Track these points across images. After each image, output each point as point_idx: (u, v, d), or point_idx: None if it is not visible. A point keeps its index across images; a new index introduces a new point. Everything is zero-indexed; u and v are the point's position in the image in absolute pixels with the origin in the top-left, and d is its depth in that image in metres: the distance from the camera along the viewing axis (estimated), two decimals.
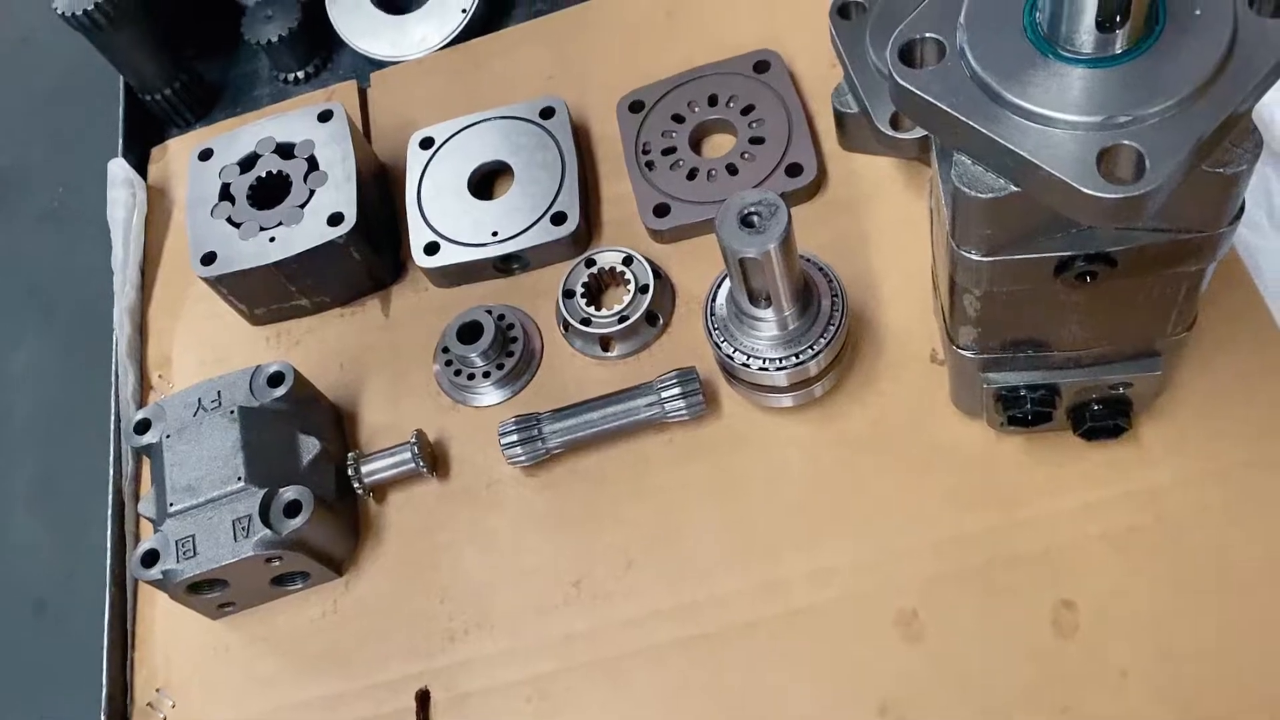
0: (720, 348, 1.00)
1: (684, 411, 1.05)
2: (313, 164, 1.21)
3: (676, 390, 1.05)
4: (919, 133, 1.04)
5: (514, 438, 1.08)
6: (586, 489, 1.09)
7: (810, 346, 0.98)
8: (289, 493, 1.03)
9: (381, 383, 1.20)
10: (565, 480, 1.10)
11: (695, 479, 1.07)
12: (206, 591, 1.05)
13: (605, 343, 1.14)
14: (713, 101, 1.22)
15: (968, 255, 0.78)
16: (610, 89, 1.29)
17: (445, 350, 1.17)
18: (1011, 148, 0.68)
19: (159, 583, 1.03)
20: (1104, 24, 0.66)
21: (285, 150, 1.23)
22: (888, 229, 1.14)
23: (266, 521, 1.02)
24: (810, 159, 1.16)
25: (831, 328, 0.99)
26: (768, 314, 0.96)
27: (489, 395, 1.15)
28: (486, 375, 1.15)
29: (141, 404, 1.26)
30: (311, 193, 1.19)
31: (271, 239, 1.17)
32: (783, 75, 1.22)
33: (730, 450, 1.07)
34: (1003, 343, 0.89)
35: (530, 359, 1.16)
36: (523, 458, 1.08)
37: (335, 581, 1.10)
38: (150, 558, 1.03)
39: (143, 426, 1.10)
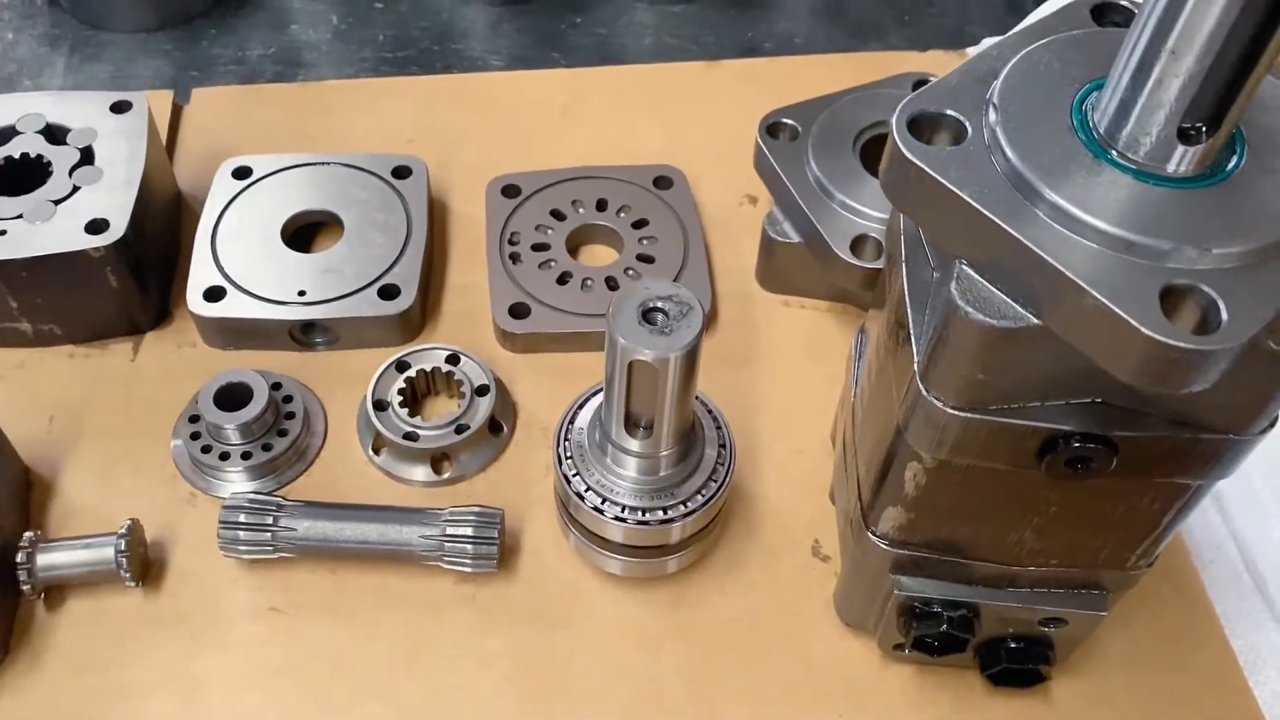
0: (570, 480, 0.77)
1: (467, 563, 0.81)
2: (87, 156, 0.94)
3: (467, 531, 0.81)
4: (884, 260, 0.88)
5: (239, 517, 0.80)
6: (344, 640, 0.81)
7: (683, 503, 0.77)
8: None
9: (101, 450, 0.89)
10: (317, 622, 0.81)
11: (494, 656, 0.81)
12: None
13: (437, 462, 0.89)
14: (601, 206, 1.04)
15: (935, 404, 0.59)
16: (481, 169, 1.08)
17: (195, 419, 0.89)
18: (1049, 260, 0.50)
19: None
20: (1189, 132, 0.51)
21: (55, 134, 0.95)
22: (781, 389, 0.95)
23: None
24: (705, 292, 0.98)
25: (712, 484, 0.77)
26: (642, 446, 0.74)
27: (239, 483, 0.87)
28: (246, 457, 0.87)
29: None
30: (75, 189, 0.91)
31: (2, 232, 0.88)
32: (685, 196, 1.05)
33: (546, 624, 0.82)
34: (931, 539, 0.70)
35: (306, 449, 0.89)
36: (242, 548, 0.80)
37: None
38: None
39: None
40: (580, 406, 0.81)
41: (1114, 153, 0.53)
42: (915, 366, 0.60)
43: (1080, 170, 0.53)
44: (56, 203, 0.90)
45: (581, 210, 1.03)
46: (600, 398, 0.79)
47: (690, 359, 0.68)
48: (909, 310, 0.62)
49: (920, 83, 1.02)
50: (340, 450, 0.90)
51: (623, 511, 0.77)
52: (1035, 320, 0.53)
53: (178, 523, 0.86)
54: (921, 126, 0.56)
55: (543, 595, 0.83)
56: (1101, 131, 0.54)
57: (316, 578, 0.83)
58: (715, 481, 0.78)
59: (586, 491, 0.77)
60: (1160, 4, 0.48)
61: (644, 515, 0.76)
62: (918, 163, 0.54)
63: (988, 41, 1.24)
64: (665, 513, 0.76)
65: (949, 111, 0.56)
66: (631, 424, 0.73)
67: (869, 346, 0.77)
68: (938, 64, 1.21)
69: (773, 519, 0.88)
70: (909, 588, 0.73)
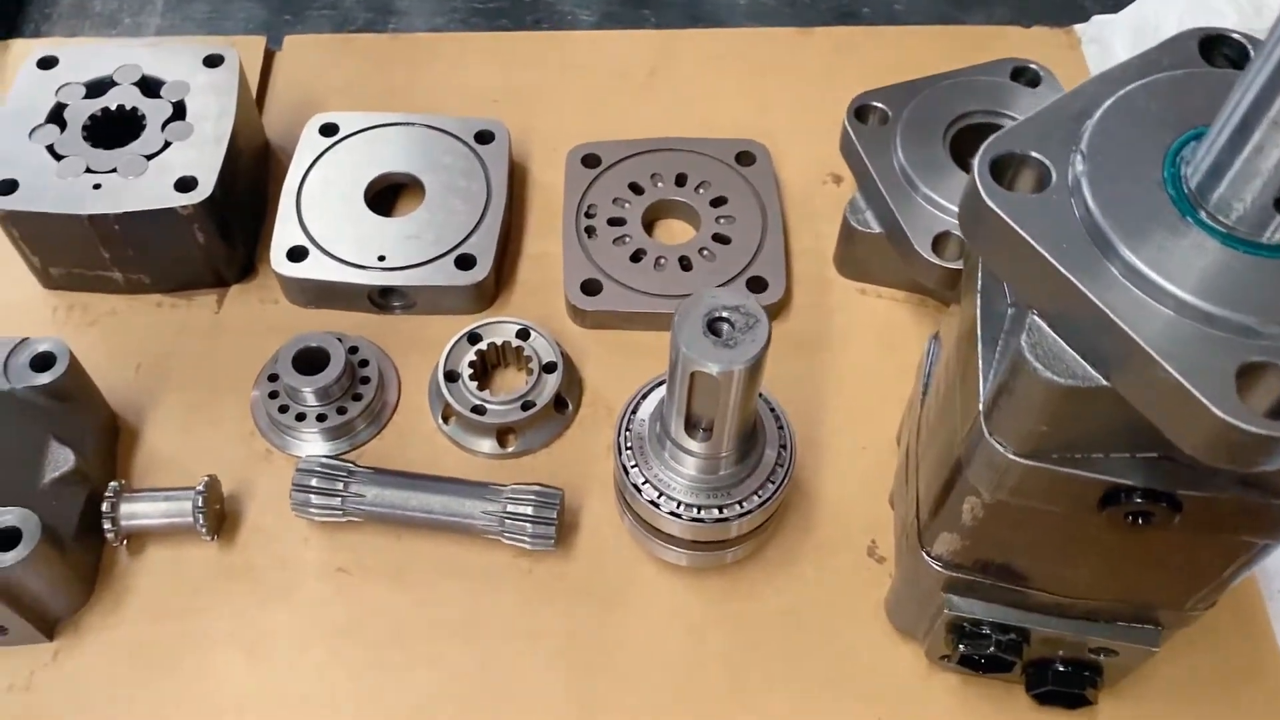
0: (628, 471, 0.78)
1: (525, 539, 0.83)
2: (179, 111, 0.95)
3: (527, 510, 0.82)
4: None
5: (311, 481, 0.83)
6: (404, 605, 0.84)
7: (740, 502, 0.77)
8: (8, 515, 0.76)
9: (184, 401, 0.93)
10: (380, 585, 0.84)
11: (547, 630, 0.83)
12: None
13: (502, 436, 0.90)
14: (680, 181, 1.03)
15: (997, 448, 0.58)
16: (562, 135, 1.08)
17: (274, 378, 0.91)
18: (1121, 324, 0.49)
19: None
20: None
21: (150, 86, 0.97)
22: (850, 380, 0.94)
23: None
24: (779, 276, 0.97)
25: (770, 485, 0.78)
26: (701, 448, 0.75)
27: (314, 443, 0.90)
28: (321, 419, 0.89)
29: None
30: (167, 144, 0.93)
31: (97, 185, 0.90)
32: (767, 173, 1.03)
33: (599, 603, 0.84)
34: (985, 566, 0.70)
35: (379, 412, 0.92)
36: (314, 510, 0.83)
37: (41, 646, 0.81)
38: None
39: None
40: (643, 397, 0.81)
41: (1203, 213, 0.51)
42: (980, 405, 0.59)
43: (1164, 229, 0.51)
44: (148, 158, 0.92)
45: (660, 184, 1.02)
46: (664, 389, 0.80)
47: (754, 371, 0.68)
48: (979, 344, 0.61)
49: (1019, 70, 0.98)
50: (411, 416, 0.93)
51: (679, 508, 0.77)
52: (1104, 382, 0.52)
53: (254, 478, 0.89)
54: (1005, 168, 0.54)
55: (597, 575, 0.85)
56: (1193, 187, 0.52)
57: (383, 541, 0.86)
58: (773, 483, 0.78)
59: (644, 484, 0.78)
60: (1264, 72, 0.46)
61: (699, 513, 0.77)
62: (996, 210, 0.52)
63: (1097, 19, 1.19)
64: (721, 511, 0.77)
65: (1034, 154, 0.54)
66: (691, 425, 0.74)
67: (940, 360, 0.76)
68: (1041, 42, 1.17)
69: (830, 515, 0.88)
70: (959, 607, 0.73)
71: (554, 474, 0.88)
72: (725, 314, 0.68)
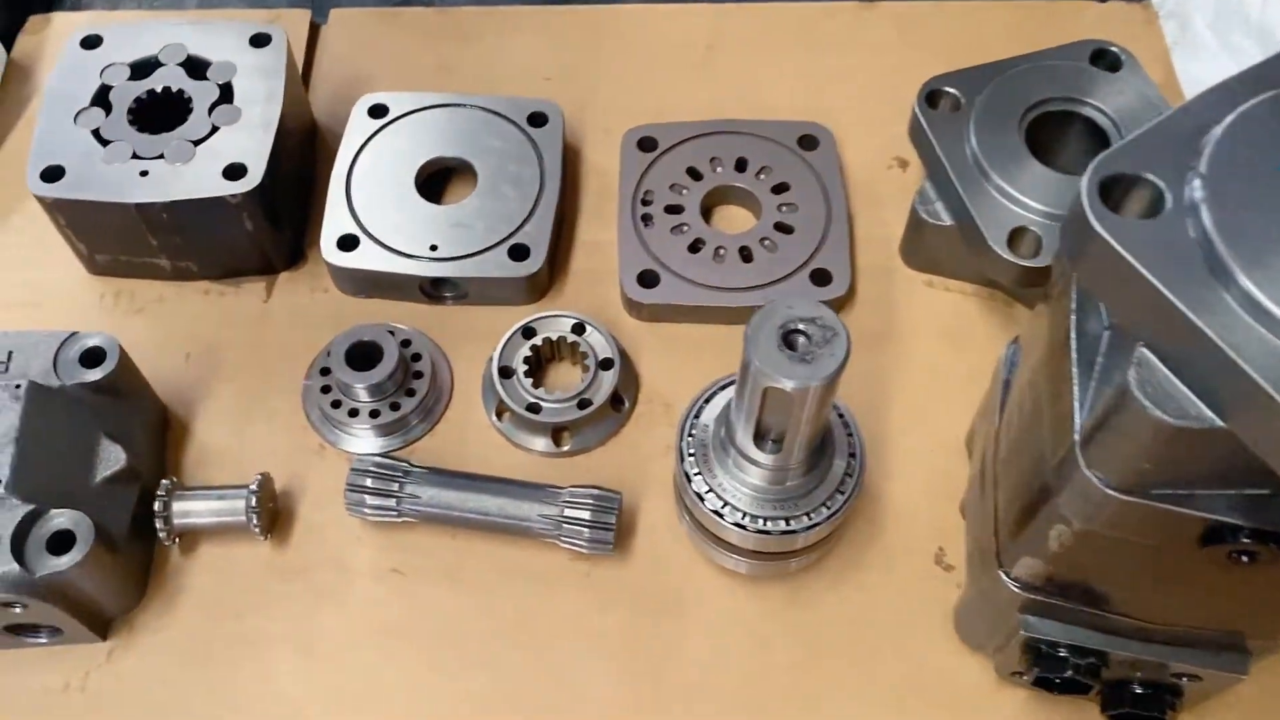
0: (690, 479, 0.76)
1: (583, 544, 0.81)
2: (226, 94, 0.93)
3: (585, 514, 0.80)
4: (1044, 259, 0.83)
5: (366, 481, 0.81)
6: (459, 607, 0.82)
7: (807, 514, 0.75)
8: (61, 518, 0.74)
9: (235, 393, 0.91)
10: (435, 586, 0.83)
11: (604, 635, 0.81)
12: None
13: (557, 434, 0.88)
14: (740, 166, 0.99)
15: (1094, 482, 0.55)
16: (616, 115, 1.05)
17: (326, 371, 0.89)
18: (1245, 368, 0.46)
19: None
20: None
21: (197, 67, 0.94)
22: (917, 378, 0.91)
23: (19, 552, 0.72)
24: (844, 268, 0.93)
25: (839, 496, 0.75)
26: (769, 459, 0.72)
27: (366, 440, 0.88)
28: (374, 415, 0.87)
29: None
30: (214, 129, 0.91)
31: (144, 172, 0.88)
32: (830, 158, 0.99)
33: (656, 608, 0.82)
34: (1067, 590, 0.67)
35: (432, 408, 0.90)
36: (367, 510, 0.82)
37: (95, 646, 0.81)
38: None
39: None
40: (706, 400, 0.79)
41: None
42: (1075, 435, 0.56)
43: None
44: (196, 143, 0.90)
45: (719, 169, 0.99)
46: (729, 392, 0.77)
47: (831, 386, 0.65)
48: (1074, 368, 0.58)
49: (1099, 53, 0.93)
50: (465, 410, 0.91)
51: (743, 518, 0.75)
52: (1220, 423, 0.49)
53: (306, 474, 0.87)
54: (1118, 188, 0.51)
55: (655, 579, 0.83)
56: None
57: (437, 542, 0.84)
58: (842, 494, 0.75)
59: (707, 493, 0.76)
60: None
61: (765, 524, 0.74)
62: (1105, 235, 0.49)
63: None
64: (787, 523, 0.74)
65: (1148, 175, 0.51)
66: (760, 436, 0.71)
67: (1022, 371, 0.72)
68: (1116, 17, 1.12)
69: (896, 520, 0.86)
70: (1037, 629, 0.70)
71: (610, 473, 0.86)
72: (801, 326, 0.65)
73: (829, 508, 0.75)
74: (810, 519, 0.74)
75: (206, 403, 0.91)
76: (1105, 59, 0.93)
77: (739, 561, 0.80)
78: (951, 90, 0.91)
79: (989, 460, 0.75)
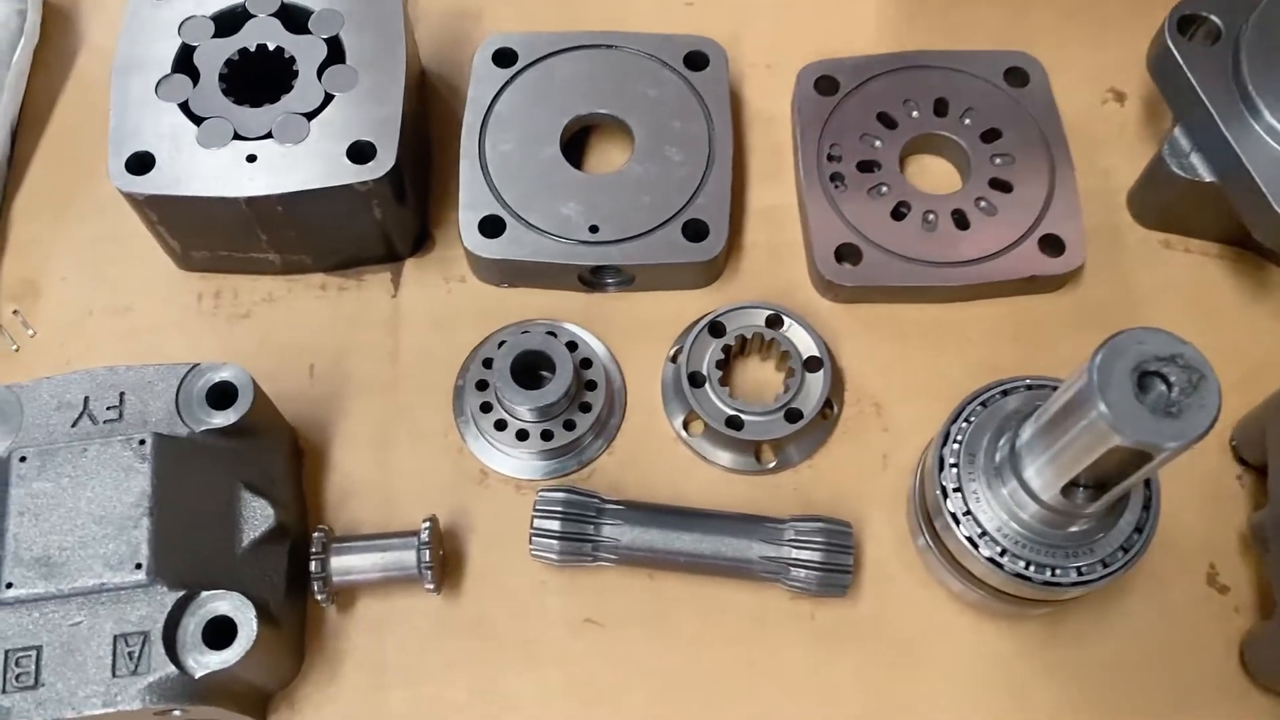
0: (947, 496, 0.64)
1: (813, 586, 0.69)
2: (336, 52, 0.77)
3: (816, 556, 0.69)
4: None
5: (553, 524, 0.69)
6: (668, 659, 0.71)
7: (1079, 569, 0.63)
8: (217, 602, 0.62)
9: (373, 411, 0.78)
10: (637, 637, 0.72)
11: (839, 690, 0.71)
12: None
13: (758, 448, 0.76)
14: (940, 109, 0.84)
15: None
16: (777, 47, 0.89)
17: (483, 385, 0.76)
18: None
19: None
20: None
21: (295, 17, 0.78)
22: None
23: (173, 650, 0.60)
24: (1077, 233, 0.79)
25: (1121, 554, 0.63)
26: (1065, 505, 0.60)
27: (535, 463, 0.76)
28: (546, 437, 0.75)
29: None
30: (328, 98, 0.75)
31: (251, 157, 0.73)
32: (1045, 97, 0.84)
33: (896, 655, 0.72)
34: None
35: (607, 421, 0.77)
36: (553, 555, 0.70)
37: None
38: None
39: None
40: (980, 402, 0.66)
41: None
42: None
43: None
44: (308, 116, 0.74)
45: (915, 113, 0.84)
46: (1006, 404, 0.65)
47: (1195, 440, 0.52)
48: None
49: None
50: (644, 421, 0.78)
51: (1001, 555, 0.63)
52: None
53: (470, 506, 0.75)
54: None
55: (890, 619, 0.72)
56: None
57: (633, 584, 0.73)
58: (1125, 551, 0.63)
59: (964, 516, 0.64)
60: None
61: (1027, 568, 0.63)
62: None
63: None
64: (1053, 573, 0.63)
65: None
66: (1072, 485, 0.59)
67: None
68: None
69: (1158, 535, 0.74)
70: None
71: (822, 493, 0.75)
72: (1158, 368, 0.52)
73: (1107, 565, 0.63)
74: (1082, 574, 0.63)
75: (340, 425, 0.77)
76: None
77: (982, 595, 0.68)
78: (1211, 16, 0.75)
79: None
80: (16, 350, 0.79)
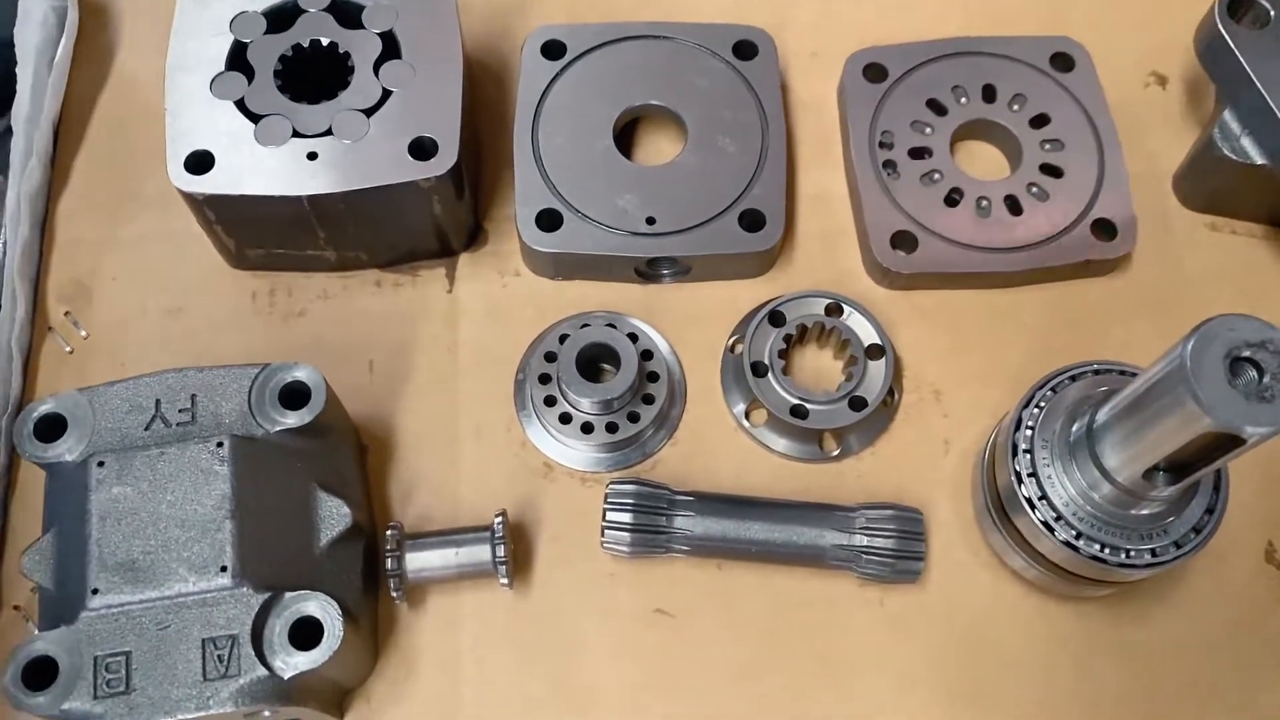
0: (1021, 481, 0.65)
1: (886, 573, 0.70)
2: (391, 46, 0.76)
3: (889, 543, 0.69)
4: None
5: (625, 517, 0.70)
6: (741, 649, 0.72)
7: (1153, 550, 0.64)
8: (305, 603, 0.62)
9: (434, 407, 0.78)
10: (709, 627, 0.72)
11: (914, 676, 0.71)
12: None
13: (822, 437, 0.76)
14: (989, 95, 0.84)
15: None
16: (821, 34, 0.89)
17: (545, 379, 0.76)
18: None
19: (50, 718, 0.60)
20: None
21: (347, 12, 0.77)
22: None
23: (260, 652, 0.60)
24: (1128, 216, 0.80)
25: (1193, 536, 0.64)
26: (1141, 488, 0.61)
27: (600, 455, 0.76)
28: (610, 430, 0.75)
29: (32, 353, 0.79)
30: (386, 94, 0.75)
31: (312, 155, 0.72)
32: (1091, 81, 0.85)
33: (966, 639, 0.72)
34: None
35: (668, 413, 0.77)
36: (625, 547, 0.70)
37: None
38: (37, 676, 0.60)
39: (51, 427, 0.65)
40: (1050, 387, 0.67)
41: None
42: None
43: None
44: (367, 113, 0.74)
45: (964, 100, 0.84)
46: (1075, 389, 0.66)
47: None
48: None
49: None
50: (704, 412, 0.78)
51: (1077, 538, 0.64)
52: None
53: (536, 498, 0.75)
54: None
55: (957, 603, 0.73)
56: None
57: (702, 575, 0.73)
58: (1197, 532, 0.64)
59: (1039, 500, 0.65)
60: None
61: (1102, 550, 0.64)
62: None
63: None
64: (1128, 555, 0.64)
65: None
66: (1153, 469, 0.60)
67: None
68: None
69: None
70: None
71: (886, 480, 0.76)
72: (1250, 353, 0.52)
73: (1180, 546, 0.64)
74: (1156, 555, 0.64)
75: (401, 421, 0.77)
76: None
77: (1050, 578, 0.69)
78: (1260, 0, 0.76)
79: None
80: (71, 352, 0.79)
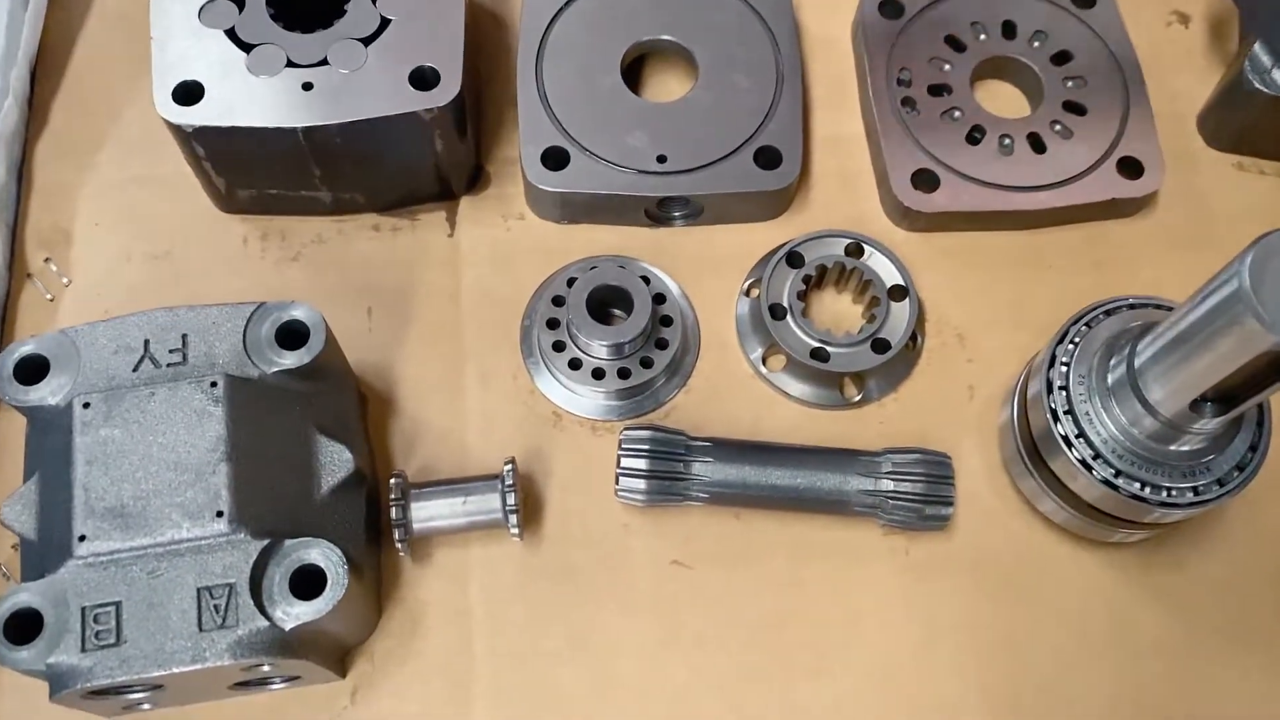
0: (1058, 419, 0.62)
1: (916, 520, 0.67)
2: None
3: (917, 488, 0.66)
4: None
5: (641, 464, 0.66)
6: (762, 601, 0.69)
7: (1195, 489, 0.61)
8: (307, 550, 0.58)
9: (437, 354, 0.74)
10: (728, 578, 0.69)
11: (943, 627, 0.68)
12: (120, 693, 0.59)
13: (842, 382, 0.73)
14: (1009, 31, 0.81)
15: None
16: None
17: (553, 324, 0.73)
18: None
19: (34, 672, 0.57)
20: None
21: None
22: None
23: (260, 601, 0.57)
24: (1154, 154, 0.77)
25: (1236, 474, 0.62)
26: (1186, 421, 0.58)
27: (611, 403, 0.72)
28: (622, 375, 0.71)
29: (10, 300, 0.75)
30: (384, 22, 0.71)
31: (307, 85, 0.69)
32: (1113, 17, 0.82)
33: (996, 587, 0.70)
34: None
35: (682, 359, 0.74)
36: (640, 496, 0.67)
37: (334, 686, 0.66)
38: (21, 629, 0.56)
39: (33, 368, 0.61)
40: (1085, 323, 0.64)
41: None
42: None
43: None
44: (365, 42, 0.70)
45: (983, 37, 0.81)
46: (1111, 324, 0.63)
47: None
48: None
49: None
50: (719, 359, 0.75)
51: (1116, 477, 0.61)
52: None
53: (545, 448, 0.72)
54: None
55: (986, 551, 0.70)
56: None
57: (718, 522, 0.70)
58: (1240, 470, 0.61)
59: (1077, 439, 0.62)
60: None
61: (1143, 489, 0.61)
62: None
63: None
64: (1169, 494, 0.61)
65: None
66: (1200, 400, 0.57)
67: None
68: None
69: None
70: None
71: (910, 426, 0.73)
72: None
73: (1223, 485, 0.61)
74: (1199, 494, 0.61)
75: (403, 369, 0.74)
76: None
77: (1084, 521, 0.66)
78: None
79: None
80: (51, 300, 0.75)
